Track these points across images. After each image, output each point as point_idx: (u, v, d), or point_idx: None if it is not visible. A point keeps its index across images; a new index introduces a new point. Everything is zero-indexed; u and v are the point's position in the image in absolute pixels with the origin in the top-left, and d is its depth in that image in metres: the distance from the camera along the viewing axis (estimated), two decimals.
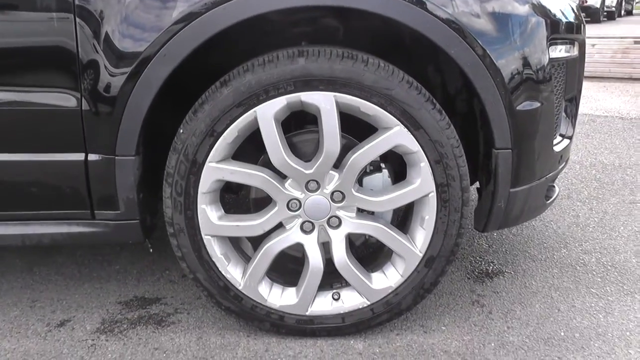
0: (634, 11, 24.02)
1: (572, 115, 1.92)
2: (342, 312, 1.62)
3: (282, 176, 1.53)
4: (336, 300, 1.62)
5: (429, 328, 1.69)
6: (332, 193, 1.53)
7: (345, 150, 1.52)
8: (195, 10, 1.39)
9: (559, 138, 1.81)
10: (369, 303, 1.61)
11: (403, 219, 1.72)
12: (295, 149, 1.57)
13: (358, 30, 1.69)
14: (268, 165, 1.52)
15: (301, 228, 1.56)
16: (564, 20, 1.67)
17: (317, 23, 1.66)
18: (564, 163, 1.87)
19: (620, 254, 2.16)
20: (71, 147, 1.49)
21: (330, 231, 1.56)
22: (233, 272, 1.59)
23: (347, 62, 1.42)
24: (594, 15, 17.38)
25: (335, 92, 1.43)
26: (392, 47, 1.68)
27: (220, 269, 1.57)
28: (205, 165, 1.47)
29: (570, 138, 1.88)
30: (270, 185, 1.51)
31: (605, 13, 18.52)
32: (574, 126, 1.93)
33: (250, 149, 1.57)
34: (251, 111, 1.43)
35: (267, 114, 1.43)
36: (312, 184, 1.52)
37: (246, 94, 1.42)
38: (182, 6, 1.40)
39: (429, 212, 1.53)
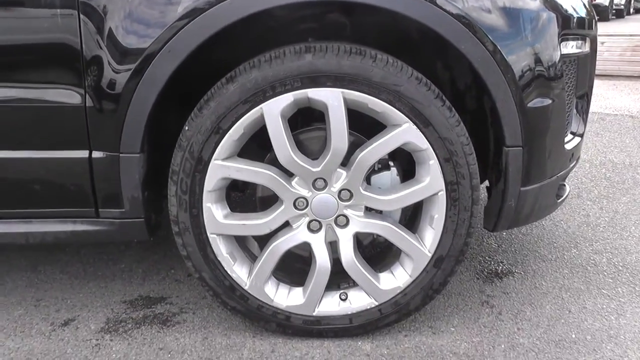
0: None
1: (584, 112, 1.89)
2: (349, 312, 1.59)
3: (288, 174, 1.50)
4: (344, 300, 1.59)
5: (437, 329, 1.67)
6: (340, 191, 1.50)
7: (353, 147, 1.49)
8: (199, 5, 1.37)
9: (570, 136, 1.78)
10: (377, 304, 1.58)
11: (412, 217, 1.70)
12: (302, 147, 1.54)
13: (365, 26, 1.66)
14: (274, 163, 1.49)
15: (308, 227, 1.54)
16: (575, 15, 1.64)
17: (323, 19, 1.64)
18: (575, 161, 1.84)
19: (632, 255, 2.12)
20: (75, 145, 1.47)
21: (338, 230, 1.54)
22: (239, 271, 1.56)
23: (355, 58, 1.40)
24: (602, 14, 17.29)
25: (343, 88, 1.40)
26: (400, 43, 1.66)
27: (226, 268, 1.55)
28: (210, 163, 1.45)
29: (581, 136, 1.84)
30: (277, 183, 1.48)
31: (614, 11, 18.40)
32: (585, 123, 1.89)
33: (257, 146, 1.55)
34: (257, 108, 1.41)
35: (273, 111, 1.41)
36: (319, 182, 1.49)
37: (252, 90, 1.40)
38: (187, 2, 1.37)
39: (438, 211, 1.51)
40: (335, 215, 1.52)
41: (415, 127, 1.42)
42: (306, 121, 1.64)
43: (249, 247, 1.68)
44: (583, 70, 1.76)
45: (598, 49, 6.38)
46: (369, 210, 1.54)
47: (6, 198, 1.55)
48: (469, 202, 1.50)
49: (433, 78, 1.52)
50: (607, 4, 17.22)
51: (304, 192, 1.50)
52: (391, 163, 1.61)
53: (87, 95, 1.43)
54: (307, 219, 1.53)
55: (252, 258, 1.61)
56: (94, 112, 1.44)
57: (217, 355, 1.56)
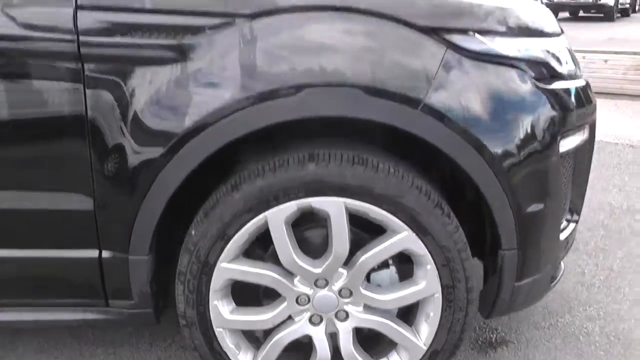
0: None
1: (580, 196, 1.94)
2: None
3: (291, 273, 1.56)
4: None
5: None
6: (341, 290, 1.56)
7: (354, 244, 1.55)
8: (208, 121, 1.42)
9: (565, 223, 1.83)
10: None
11: (408, 308, 1.76)
12: (305, 243, 1.60)
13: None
14: (277, 258, 1.55)
15: (310, 320, 1.60)
16: (576, 109, 1.68)
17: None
18: (570, 244, 1.89)
19: (624, 322, 2.18)
20: (85, 244, 1.54)
21: (338, 323, 1.60)
22: (243, 359, 1.63)
23: (357, 169, 1.45)
24: (608, 14, 17.24)
25: (345, 198, 1.46)
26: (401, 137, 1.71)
27: (231, 358, 1.62)
28: (217, 266, 1.51)
29: (576, 221, 1.90)
30: (280, 283, 1.54)
31: (619, 10, 18.33)
32: (580, 208, 1.95)
33: (259, 242, 1.61)
34: (261, 215, 1.47)
35: (277, 219, 1.47)
36: (320, 281, 1.55)
37: (256, 199, 1.46)
38: (195, 114, 1.43)
39: (434, 310, 1.57)
40: (336, 311, 1.59)
41: (414, 235, 1.48)
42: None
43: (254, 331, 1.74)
44: (581, 160, 1.81)
45: (600, 67, 6.34)
46: (368, 306, 1.60)
47: (19, 291, 1.61)
48: (464, 303, 1.56)
49: (431, 165, 1.57)
50: (612, 3, 17.13)
51: (306, 290, 1.57)
52: (390, 261, 1.67)
53: (96, 201, 1.49)
54: (308, 314, 1.59)
55: (257, 344, 1.68)
56: (104, 215, 1.50)
57: None
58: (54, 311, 1.65)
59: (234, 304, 1.61)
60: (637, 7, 21.16)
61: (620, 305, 2.30)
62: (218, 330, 1.59)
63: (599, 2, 17.00)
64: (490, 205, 1.51)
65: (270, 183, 1.46)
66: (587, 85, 1.83)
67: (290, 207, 1.46)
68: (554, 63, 1.65)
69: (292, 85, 1.43)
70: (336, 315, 1.59)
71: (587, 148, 1.84)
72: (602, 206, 3.31)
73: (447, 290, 1.54)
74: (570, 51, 1.80)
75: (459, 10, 1.52)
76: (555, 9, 18.11)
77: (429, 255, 1.50)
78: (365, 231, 1.60)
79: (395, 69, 1.46)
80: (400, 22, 1.46)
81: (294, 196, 1.46)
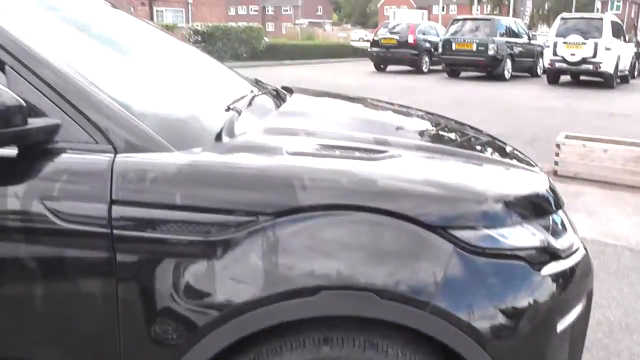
0: None
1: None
2: None
3: None
4: None
5: None
6: None
7: None
8: (230, 315, 1.57)
9: None
10: None
11: None
12: None
13: None
14: None
15: None
16: (576, 286, 1.82)
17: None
18: None
19: None
20: None
21: None
22: None
23: (368, 353, 1.58)
24: (608, 81, 17.65)
25: None
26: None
27: None
28: None
29: None
30: None
31: (619, 77, 18.75)
32: None
33: None
34: None
35: None
36: None
37: None
38: (217, 308, 1.57)
39: None
40: None
41: None
42: None
43: None
44: (579, 329, 1.92)
45: (599, 156, 6.55)
46: None
47: None
48: None
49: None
50: (612, 71, 17.55)
51: None
52: None
53: None
54: None
55: None
56: None
57: None
58: None
59: None
60: (635, 74, 21.62)
61: None
62: None
63: (600, 70, 17.42)
64: None
65: None
66: (586, 254, 1.96)
67: None
68: (555, 244, 1.79)
69: (310, 287, 1.55)
70: None
71: (584, 317, 1.96)
72: (601, 323, 3.44)
73: None
74: (569, 219, 1.95)
75: (467, 207, 1.66)
76: (557, 73, 18.57)
77: None
78: None
79: (405, 271, 1.57)
80: (411, 221, 1.58)
81: None
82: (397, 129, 2.44)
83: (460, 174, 1.85)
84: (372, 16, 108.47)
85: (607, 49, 17.27)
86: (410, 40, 22.56)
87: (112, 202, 1.59)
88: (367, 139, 2.00)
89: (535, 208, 1.83)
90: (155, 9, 37.07)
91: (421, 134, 2.52)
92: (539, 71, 21.78)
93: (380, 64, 23.68)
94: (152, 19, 32.75)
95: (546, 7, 62.23)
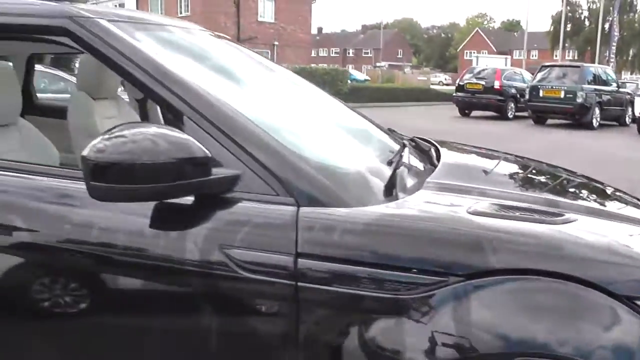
0: None
1: None
2: None
3: None
4: None
5: None
6: None
7: None
8: None
9: None
10: None
11: None
12: None
13: None
14: None
15: None
16: None
17: None
18: None
19: None
20: None
21: None
22: None
23: None
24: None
25: None
26: None
27: None
28: None
29: None
30: None
31: None
32: None
33: None
34: None
35: None
36: None
37: None
38: None
39: None
40: None
41: None
42: None
43: None
44: None
45: None
46: None
47: None
48: None
49: None
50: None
51: None
52: None
53: None
54: None
55: None
56: None
57: None
58: None
59: None
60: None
61: None
62: None
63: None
64: None
65: None
66: None
67: None
68: None
69: (505, 353, 1.50)
70: None
71: None
72: None
73: None
74: None
75: None
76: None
77: None
78: None
79: (598, 341, 1.50)
80: (599, 289, 1.52)
81: None
82: (560, 188, 2.50)
83: (637, 240, 1.80)
84: (451, 60, 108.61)
85: None
86: (497, 85, 22.42)
87: (298, 254, 1.61)
88: (538, 200, 2.05)
89: None
90: None
91: (581, 194, 2.61)
92: (628, 120, 21.25)
93: (465, 109, 23.64)
94: None
95: (630, 54, 60.18)
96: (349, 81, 27.10)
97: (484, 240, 1.61)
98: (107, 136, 1.59)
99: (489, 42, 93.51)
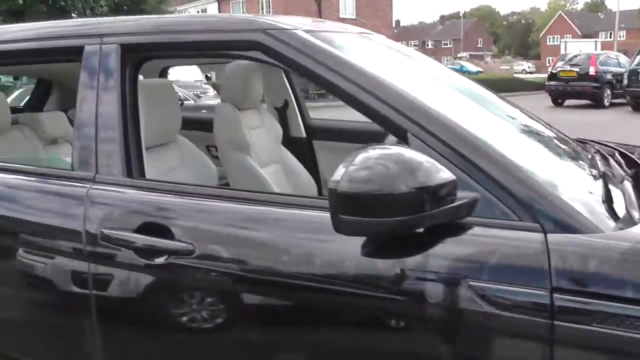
0: None
1: None
2: None
3: None
4: None
5: None
6: None
7: None
8: None
9: None
10: None
11: None
12: None
13: None
14: None
15: None
16: None
17: None
18: None
19: None
20: None
21: None
22: None
23: None
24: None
25: None
26: None
27: None
28: None
29: None
30: None
31: None
32: None
33: None
34: None
35: None
36: None
37: None
38: None
39: None
40: None
41: None
42: None
43: None
44: None
45: None
46: None
47: None
48: None
49: None
50: None
51: None
52: None
53: None
54: None
55: None
56: None
57: None
58: None
59: None
60: None
61: None
62: None
63: None
64: None
65: None
66: None
67: None
68: None
69: None
70: None
71: None
72: None
73: None
74: None
75: None
76: None
77: None
78: None
79: None
80: None
81: None
82: None
83: None
84: (533, 46, 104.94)
85: None
86: (592, 72, 21.44)
87: (553, 289, 1.46)
88: None
89: None
90: None
91: None
92: None
93: (558, 99, 22.77)
94: None
95: None
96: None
97: None
98: (354, 165, 1.50)
99: (572, 25, 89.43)
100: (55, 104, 4.65)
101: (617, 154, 2.51)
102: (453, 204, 1.51)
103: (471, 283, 1.53)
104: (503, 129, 2.25)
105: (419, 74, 2.51)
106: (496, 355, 1.58)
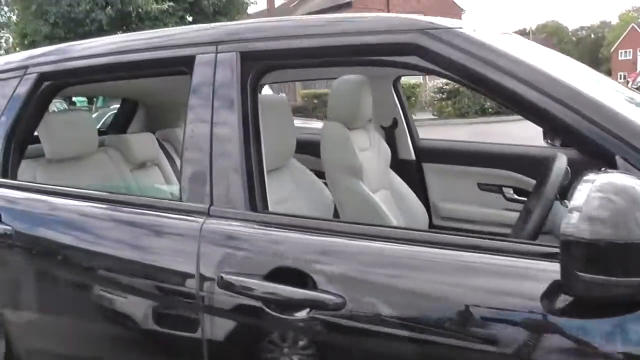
0: None
1: None
2: None
3: None
4: None
5: None
6: None
7: None
8: None
9: None
10: None
11: None
12: None
13: None
14: None
15: None
16: None
17: None
18: None
19: None
20: None
21: None
22: None
23: None
24: None
25: None
26: None
27: None
28: None
29: None
30: None
31: None
32: None
33: None
34: None
35: None
36: None
37: None
38: None
39: None
40: None
41: None
42: None
43: None
44: None
45: None
46: None
47: None
48: None
49: None
50: None
51: None
52: None
53: None
54: None
55: None
56: None
57: None
58: None
59: None
60: None
61: None
62: None
63: None
64: None
65: None
66: None
67: None
68: None
69: None
70: None
71: None
72: None
73: None
74: None
75: None
76: None
77: None
78: None
79: None
80: None
81: None
82: None
83: None
84: (604, 62, 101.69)
85: None
86: None
87: None
88: None
89: None
90: None
91: None
92: None
93: None
94: None
95: None
96: None
97: None
98: (589, 204, 1.20)
99: None
100: (140, 124, 4.39)
101: None
102: None
103: None
104: None
105: (592, 81, 2.05)
106: None
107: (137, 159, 3.60)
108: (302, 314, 1.57)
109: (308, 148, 3.10)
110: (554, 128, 1.58)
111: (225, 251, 1.73)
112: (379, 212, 2.93)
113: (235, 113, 1.81)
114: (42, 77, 2.29)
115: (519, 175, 3.40)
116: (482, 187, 3.55)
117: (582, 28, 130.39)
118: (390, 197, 3.32)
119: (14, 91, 2.31)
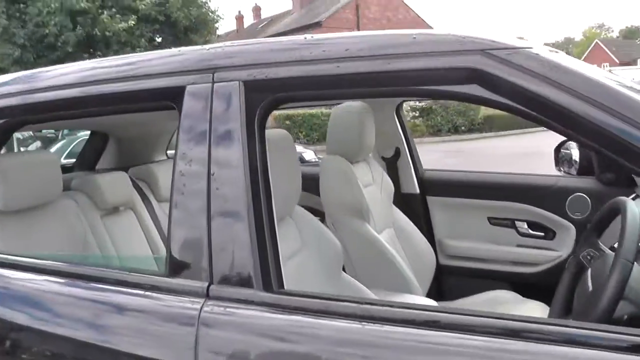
0: None
1: None
2: None
3: None
4: None
5: None
6: None
7: None
8: None
9: None
10: None
11: None
12: None
13: None
14: None
15: None
16: None
17: None
18: None
19: None
20: None
21: None
22: None
23: None
24: None
25: None
26: None
27: None
28: None
29: None
30: None
31: None
32: None
33: None
34: None
35: None
36: None
37: None
38: None
39: None
40: None
41: None
42: None
43: None
44: None
45: None
46: None
47: None
48: None
49: None
50: None
51: None
52: None
53: None
54: None
55: None
56: None
57: None
58: None
59: None
60: None
61: None
62: None
63: None
64: None
65: None
66: None
67: None
68: None
69: None
70: None
71: None
72: None
73: None
74: None
75: None
76: None
77: None
78: None
79: None
80: None
81: None
82: None
83: None
84: None
85: None
86: None
87: None
88: None
89: None
90: None
91: None
92: None
93: None
94: None
95: None
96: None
97: None
98: None
99: (609, 53, 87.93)
100: (111, 159, 3.94)
101: None
102: None
103: None
104: None
105: None
106: None
107: (108, 204, 3.08)
108: None
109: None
110: None
111: (234, 345, 1.33)
112: (387, 256, 2.60)
113: (240, 160, 1.42)
114: None
115: (534, 208, 3.09)
116: (493, 221, 3.24)
117: (546, 44, 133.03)
118: (394, 237, 2.97)
119: None
